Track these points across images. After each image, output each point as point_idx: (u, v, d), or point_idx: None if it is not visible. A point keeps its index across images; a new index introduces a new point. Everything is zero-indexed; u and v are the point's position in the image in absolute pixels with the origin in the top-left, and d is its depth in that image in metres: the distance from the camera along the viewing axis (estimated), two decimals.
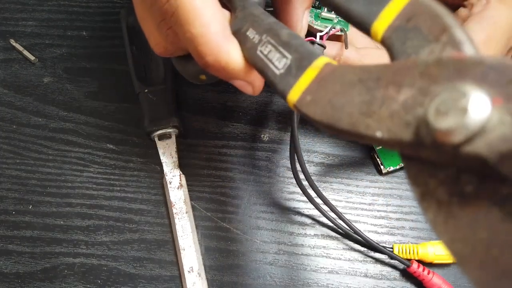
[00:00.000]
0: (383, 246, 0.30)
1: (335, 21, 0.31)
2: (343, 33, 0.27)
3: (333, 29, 0.27)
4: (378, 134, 0.11)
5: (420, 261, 0.30)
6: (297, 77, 0.15)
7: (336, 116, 0.13)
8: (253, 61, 0.16)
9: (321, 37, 0.25)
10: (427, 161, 0.11)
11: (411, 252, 0.30)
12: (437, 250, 0.30)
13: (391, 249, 0.30)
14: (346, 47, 0.28)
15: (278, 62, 0.15)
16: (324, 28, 0.31)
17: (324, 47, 0.24)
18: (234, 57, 0.16)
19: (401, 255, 0.30)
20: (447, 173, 0.11)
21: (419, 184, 0.11)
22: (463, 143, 0.09)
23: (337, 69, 0.14)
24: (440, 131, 0.09)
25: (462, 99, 0.09)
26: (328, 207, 0.29)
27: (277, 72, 0.15)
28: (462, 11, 0.26)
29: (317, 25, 0.31)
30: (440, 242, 0.29)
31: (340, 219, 0.29)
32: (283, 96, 0.15)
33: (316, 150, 0.34)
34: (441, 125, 0.09)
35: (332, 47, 0.28)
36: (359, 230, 0.29)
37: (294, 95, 0.15)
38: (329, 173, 0.33)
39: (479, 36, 0.23)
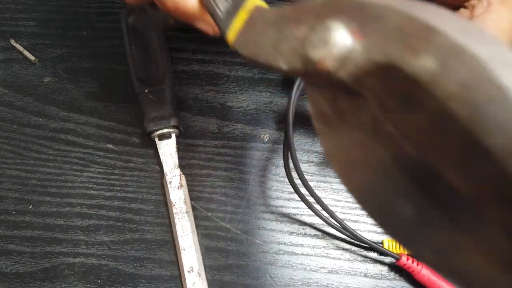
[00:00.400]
0: (373, 242, 0.30)
1: None
2: None
3: None
4: (283, 66, 0.14)
5: (410, 255, 0.30)
6: (233, 20, 0.17)
7: (258, 52, 0.15)
8: (206, 5, 0.18)
9: None
10: (319, 85, 0.13)
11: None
12: None
13: (381, 244, 0.31)
14: None
15: (222, 5, 0.17)
16: None
17: None
18: (191, 2, 0.18)
19: (392, 250, 0.30)
20: (331, 93, 0.13)
21: (314, 104, 0.14)
22: (332, 70, 0.11)
23: (263, 12, 0.16)
24: (315, 61, 0.12)
25: (330, 34, 0.11)
26: (320, 205, 0.29)
27: (221, 15, 0.17)
28: (463, 11, 0.26)
29: None
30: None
31: (332, 217, 0.29)
32: (225, 38, 0.17)
33: (316, 150, 0.34)
34: (315, 56, 0.12)
35: None
36: (348, 226, 0.30)
37: (231, 36, 0.17)
38: (329, 173, 0.33)
39: None
